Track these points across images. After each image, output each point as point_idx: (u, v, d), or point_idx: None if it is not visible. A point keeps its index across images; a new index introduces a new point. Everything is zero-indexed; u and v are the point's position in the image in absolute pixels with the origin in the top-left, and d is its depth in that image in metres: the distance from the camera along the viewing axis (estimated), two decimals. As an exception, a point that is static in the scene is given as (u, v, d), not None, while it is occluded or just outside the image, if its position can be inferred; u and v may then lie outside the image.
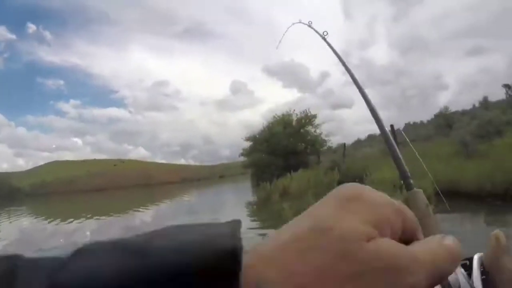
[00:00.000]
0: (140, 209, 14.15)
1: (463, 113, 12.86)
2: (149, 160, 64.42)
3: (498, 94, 13.89)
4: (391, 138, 0.64)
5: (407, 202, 0.43)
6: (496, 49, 72.25)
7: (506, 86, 11.29)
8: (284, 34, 1.59)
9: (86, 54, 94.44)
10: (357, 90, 0.83)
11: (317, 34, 1.10)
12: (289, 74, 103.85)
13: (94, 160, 55.08)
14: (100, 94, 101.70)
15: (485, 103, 11.90)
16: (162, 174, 47.45)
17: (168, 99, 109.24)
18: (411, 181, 0.55)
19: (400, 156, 0.61)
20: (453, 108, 14.90)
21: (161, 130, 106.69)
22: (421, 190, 0.54)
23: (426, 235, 0.25)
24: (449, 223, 4.79)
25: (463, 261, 0.32)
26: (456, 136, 9.24)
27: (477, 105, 12.88)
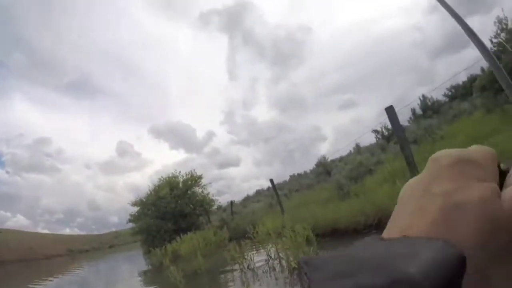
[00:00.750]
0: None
1: (340, 159, 14.48)
2: (30, 229, 55.47)
3: (369, 139, 15.82)
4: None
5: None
6: (364, 101, 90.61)
7: (375, 131, 13.31)
8: None
9: None
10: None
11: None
12: (176, 135, 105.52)
13: None
14: None
15: (357, 148, 13.82)
16: (46, 246, 42.67)
17: (50, 159, 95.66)
18: None
19: None
20: (331, 157, 16.25)
21: (43, 195, 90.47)
22: None
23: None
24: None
25: None
26: (333, 181, 10.03)
27: (352, 151, 14.59)
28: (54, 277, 15.64)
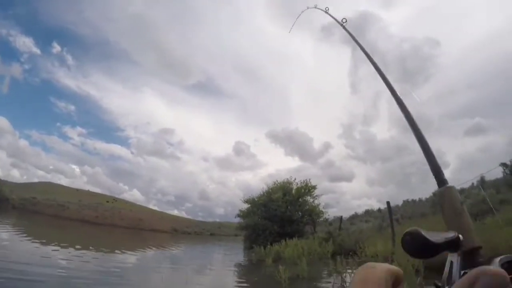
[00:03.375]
0: (127, 252, 13.70)
1: (461, 191, 12.69)
2: (142, 204, 63.00)
3: (495, 173, 13.75)
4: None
5: (442, 196, 0.47)
6: (495, 128, 72.48)
7: (503, 165, 11.43)
8: (297, 18, 1.47)
9: (101, 87, 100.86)
10: (385, 86, 0.81)
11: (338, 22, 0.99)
12: (292, 142, 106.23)
13: (88, 192, 53.48)
14: (107, 129, 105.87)
15: (482, 182, 11.95)
16: (153, 220, 46.52)
17: (171, 148, 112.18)
18: (444, 176, 0.53)
19: (433, 152, 0.60)
20: None
21: (160, 177, 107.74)
22: (454, 186, 0.52)
23: (460, 231, 0.36)
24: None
25: None
26: None
27: (475, 183, 12.68)
28: (155, 248, 17.23)
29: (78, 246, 11.73)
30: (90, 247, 12.32)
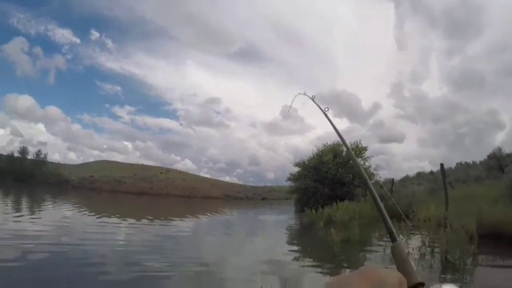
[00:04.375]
0: (183, 219, 14.42)
1: None
2: (194, 173, 65.20)
3: None
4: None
5: (393, 249, 0.55)
6: None
7: None
8: (292, 103, 1.66)
9: (144, 65, 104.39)
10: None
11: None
12: (340, 103, 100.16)
13: (142, 165, 56.07)
14: (154, 104, 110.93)
15: None
16: (206, 188, 47.10)
17: (219, 116, 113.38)
18: (395, 234, 0.60)
19: (384, 212, 0.64)
20: (508, 150, 13.95)
21: (210, 146, 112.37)
22: (403, 241, 0.62)
23: (407, 273, 0.46)
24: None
25: None
26: (507, 179, 8.91)
27: None
28: (209, 214, 17.78)
29: (136, 217, 12.53)
30: (148, 216, 13.15)
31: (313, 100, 1.27)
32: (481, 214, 6.44)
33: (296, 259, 6.73)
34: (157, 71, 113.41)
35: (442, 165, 8.39)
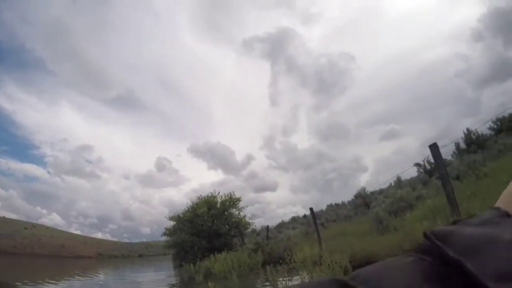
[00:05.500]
0: (50, 281, 12.07)
1: (380, 192, 13.95)
2: (63, 229, 56.36)
3: (410, 172, 15.65)
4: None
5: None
6: (407, 132, 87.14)
7: (417, 164, 12.93)
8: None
9: (14, 99, 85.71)
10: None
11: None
12: (215, 156, 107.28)
13: (4, 218, 45.56)
14: (21, 146, 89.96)
15: (398, 182, 13.49)
16: (76, 246, 42.92)
17: (90, 166, 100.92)
18: None
19: None
20: (371, 189, 15.87)
21: (80, 198, 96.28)
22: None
23: None
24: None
25: None
26: (372, 214, 9.81)
27: (392, 183, 14.16)
28: (80, 277, 15.79)
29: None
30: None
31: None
32: (353, 248, 7.18)
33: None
34: (28, 108, 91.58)
35: (311, 209, 9.30)
